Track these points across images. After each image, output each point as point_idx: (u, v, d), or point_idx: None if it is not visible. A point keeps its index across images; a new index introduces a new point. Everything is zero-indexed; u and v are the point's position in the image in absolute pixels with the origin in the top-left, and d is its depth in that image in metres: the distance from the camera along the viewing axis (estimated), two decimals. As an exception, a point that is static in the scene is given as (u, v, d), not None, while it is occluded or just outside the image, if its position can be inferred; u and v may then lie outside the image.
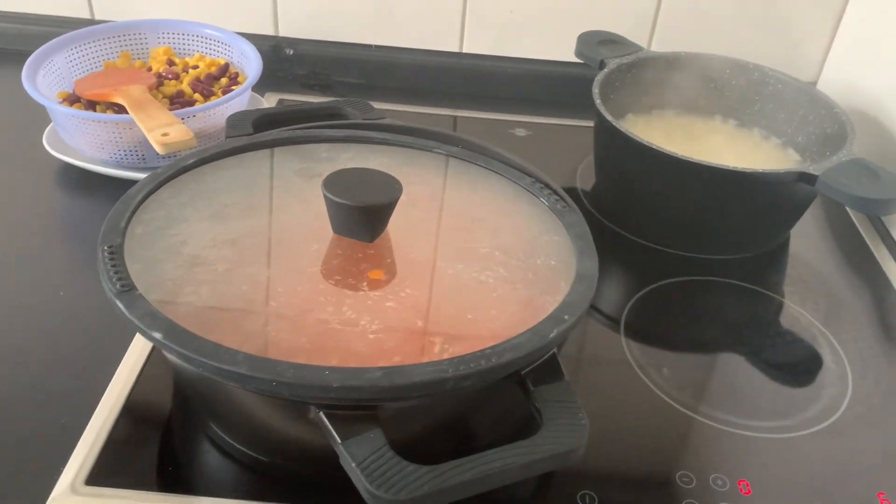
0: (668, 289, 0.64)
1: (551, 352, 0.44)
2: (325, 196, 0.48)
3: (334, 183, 0.49)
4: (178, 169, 0.54)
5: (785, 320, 0.62)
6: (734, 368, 0.58)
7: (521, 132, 0.85)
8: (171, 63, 0.79)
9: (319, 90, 0.91)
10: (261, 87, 0.84)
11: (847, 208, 0.75)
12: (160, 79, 0.75)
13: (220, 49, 0.81)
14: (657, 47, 0.89)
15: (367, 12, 0.89)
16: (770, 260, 0.69)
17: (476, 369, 0.39)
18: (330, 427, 0.39)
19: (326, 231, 0.50)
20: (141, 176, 0.67)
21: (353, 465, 0.37)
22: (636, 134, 0.74)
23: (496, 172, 0.59)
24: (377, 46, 0.91)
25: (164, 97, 0.73)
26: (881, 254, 0.70)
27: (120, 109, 0.69)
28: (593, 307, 0.63)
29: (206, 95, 0.74)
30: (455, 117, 0.88)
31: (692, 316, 0.63)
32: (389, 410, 0.41)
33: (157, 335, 0.40)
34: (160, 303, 0.43)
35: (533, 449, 0.39)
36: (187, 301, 0.44)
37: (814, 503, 0.48)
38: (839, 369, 0.57)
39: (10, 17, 0.91)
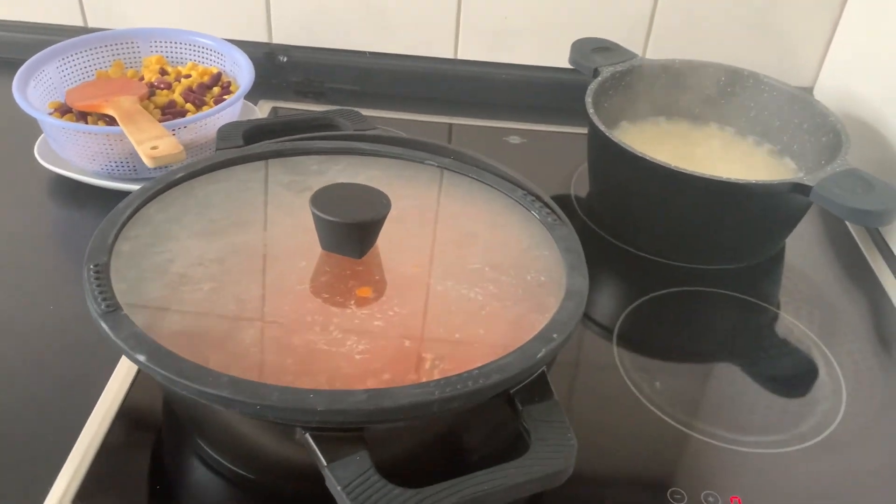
0: (662, 300, 0.64)
1: (540, 370, 0.43)
2: (312, 213, 0.48)
3: (322, 199, 0.49)
4: (166, 184, 0.54)
5: (779, 332, 0.62)
6: (727, 381, 0.57)
7: (515, 139, 0.84)
8: (163, 72, 0.79)
9: (313, 97, 0.90)
10: (254, 94, 0.84)
11: (843, 217, 0.74)
12: (152, 88, 0.75)
13: (212, 58, 0.80)
14: (652, 54, 0.88)
15: (360, 19, 0.88)
16: (765, 270, 0.69)
17: (462, 391, 0.39)
18: (316, 449, 0.38)
19: (315, 247, 0.50)
20: (132, 187, 0.67)
21: (339, 488, 0.37)
22: (630, 142, 0.74)
23: (488, 184, 0.58)
24: (371, 53, 0.91)
25: (156, 107, 0.73)
26: (877, 264, 0.69)
27: (111, 120, 0.69)
28: (587, 316, 0.63)
29: (198, 105, 0.74)
30: (450, 125, 0.87)
31: (686, 328, 0.62)
32: (376, 431, 0.40)
33: (141, 357, 0.40)
34: (145, 323, 0.42)
35: (520, 471, 0.39)
36: (173, 321, 0.44)
37: (806, 520, 0.48)
38: (833, 383, 0.57)
39: (3, 26, 0.91)
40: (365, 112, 0.85)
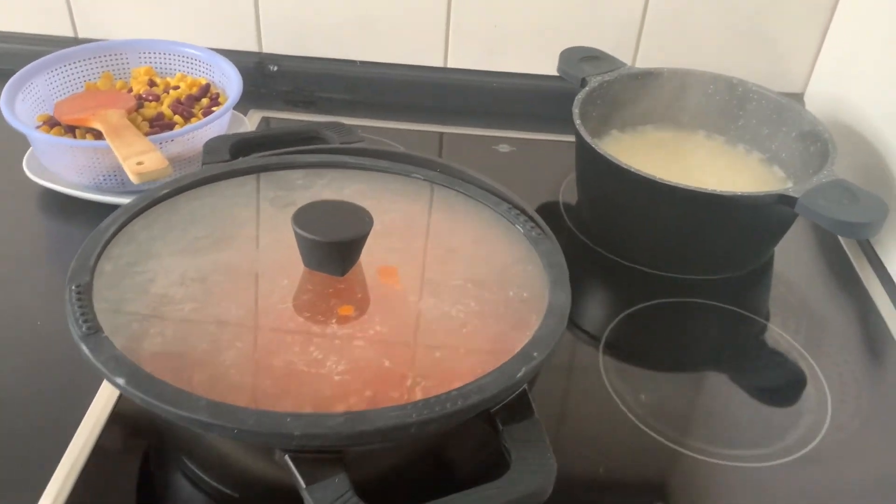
0: (650, 311, 0.64)
1: (521, 389, 0.43)
2: (294, 231, 0.48)
3: (304, 217, 0.49)
4: (150, 200, 0.54)
5: (766, 344, 0.62)
6: (712, 394, 0.57)
7: (504, 148, 0.84)
8: (152, 83, 0.79)
9: (303, 107, 0.90)
10: (244, 104, 0.84)
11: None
12: (140, 100, 0.75)
13: (201, 68, 0.81)
14: (642, 62, 0.88)
15: (350, 28, 0.88)
16: (754, 280, 0.69)
17: (441, 413, 0.39)
18: (295, 471, 0.38)
19: (298, 263, 0.50)
20: (121, 200, 0.67)
21: (318, 511, 0.37)
22: (619, 151, 0.74)
23: (473, 198, 0.58)
24: (361, 62, 0.91)
25: (144, 119, 0.73)
26: (865, 273, 0.69)
27: (99, 134, 0.69)
28: (575, 325, 0.63)
29: (187, 117, 0.74)
30: (441, 134, 0.87)
31: (673, 339, 0.62)
32: (356, 452, 0.41)
33: (120, 381, 0.40)
34: (126, 345, 0.43)
35: (499, 491, 0.39)
36: (154, 343, 0.44)
37: (790, 535, 0.48)
38: (819, 395, 0.57)
39: (-6, 36, 0.91)
40: (355, 121, 0.86)
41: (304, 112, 0.89)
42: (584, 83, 0.73)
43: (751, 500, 0.50)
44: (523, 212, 0.57)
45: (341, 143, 0.65)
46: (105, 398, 0.54)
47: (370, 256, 0.50)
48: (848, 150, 0.76)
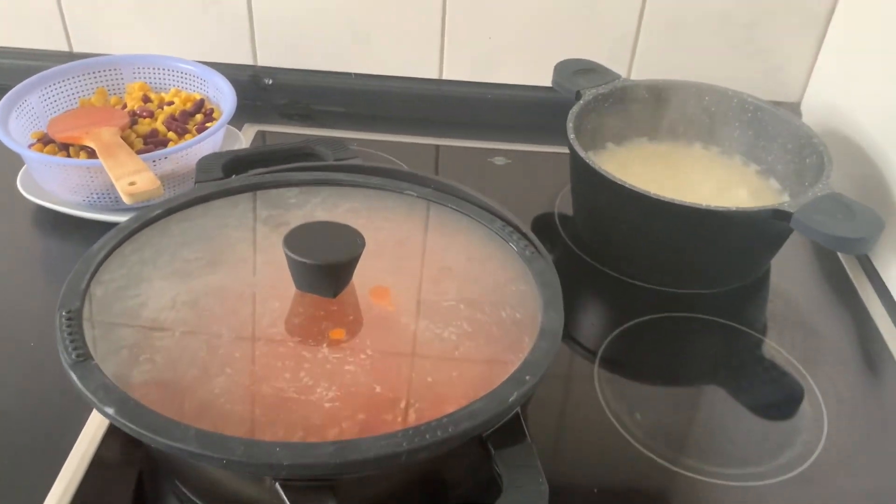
0: (645, 326, 0.63)
1: (514, 412, 0.43)
2: (285, 254, 0.48)
3: (295, 239, 0.48)
4: (141, 223, 0.54)
5: (762, 359, 0.61)
6: (708, 411, 0.57)
7: (500, 161, 0.84)
8: (146, 99, 0.78)
9: (299, 120, 0.90)
10: (239, 118, 0.84)
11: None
12: (134, 117, 0.75)
13: (195, 84, 0.80)
14: (637, 73, 0.88)
15: (346, 41, 0.88)
16: (750, 293, 0.68)
17: (431, 441, 0.39)
18: (285, 499, 0.38)
19: (290, 285, 0.49)
20: (115, 218, 0.67)
21: (308, 539, 0.37)
22: (615, 164, 0.74)
23: (467, 215, 0.58)
24: (357, 75, 0.91)
25: (138, 136, 0.73)
26: (862, 286, 0.69)
27: (93, 151, 0.69)
28: (569, 338, 0.62)
29: (181, 133, 0.74)
30: (436, 146, 0.87)
31: (668, 355, 0.62)
32: (347, 479, 0.40)
33: (110, 410, 0.40)
34: (116, 372, 0.42)
35: (490, 518, 0.39)
36: (143, 370, 0.43)
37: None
38: (815, 412, 0.57)
39: (-11, 52, 0.91)
40: (351, 134, 0.86)
41: (299, 125, 0.89)
42: (578, 96, 0.73)
43: (746, 520, 0.49)
44: (517, 229, 0.57)
45: (335, 160, 0.65)
46: (99, 419, 0.54)
47: (363, 276, 0.50)
48: (844, 159, 0.76)
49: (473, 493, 0.46)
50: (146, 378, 0.43)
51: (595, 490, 0.50)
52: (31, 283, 0.66)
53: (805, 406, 0.57)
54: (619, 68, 0.87)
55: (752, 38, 0.85)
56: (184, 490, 0.49)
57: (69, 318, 0.45)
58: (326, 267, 0.47)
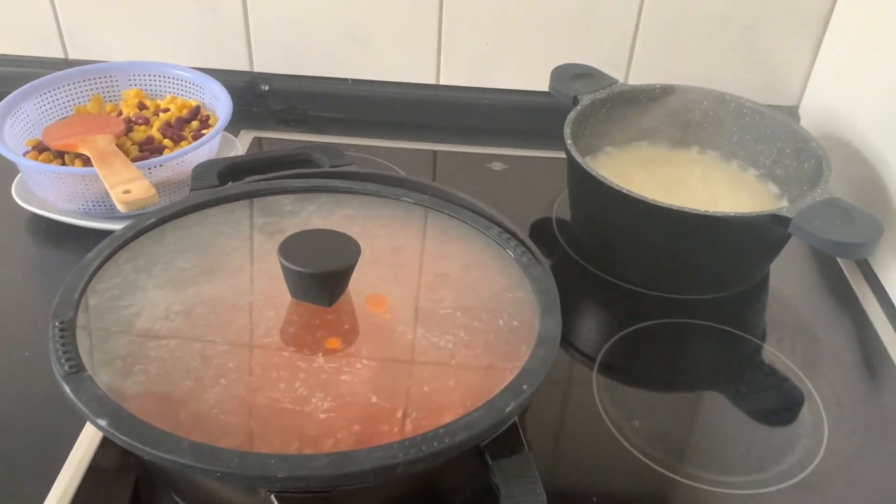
0: (643, 333, 0.63)
1: (511, 422, 0.43)
2: (280, 262, 0.47)
3: (290, 248, 0.48)
4: (135, 231, 0.54)
5: (762, 365, 0.61)
6: (707, 418, 0.57)
7: (497, 166, 0.84)
8: (142, 106, 0.78)
9: (295, 126, 0.90)
10: (236, 124, 0.83)
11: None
12: (130, 124, 0.75)
13: (191, 90, 0.80)
14: (635, 77, 0.88)
15: (342, 46, 0.88)
16: (750, 298, 0.68)
17: (427, 452, 0.39)
18: (280, 512, 0.38)
19: (285, 294, 0.49)
20: (110, 226, 0.66)
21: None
22: (612, 168, 0.73)
23: (464, 222, 0.58)
24: (354, 80, 0.90)
25: (134, 144, 0.73)
26: (862, 291, 0.69)
27: (88, 159, 0.68)
28: (568, 345, 0.62)
29: (176, 140, 0.73)
30: (434, 152, 0.87)
31: (667, 362, 0.62)
32: (343, 490, 0.40)
33: (103, 422, 0.39)
34: (110, 383, 0.42)
35: (487, 530, 0.38)
36: (137, 381, 0.43)
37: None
38: (815, 418, 0.56)
39: (-15, 59, 0.91)
40: (348, 140, 0.86)
41: (296, 131, 0.89)
42: (575, 101, 0.73)
43: (747, 529, 0.49)
44: (514, 236, 0.57)
45: (332, 167, 0.65)
46: (93, 431, 0.53)
47: (359, 284, 0.50)
48: (843, 163, 0.75)
49: (471, 502, 0.46)
50: (140, 389, 0.43)
51: (594, 499, 0.50)
52: (26, 291, 0.66)
53: (805, 412, 0.57)
54: (617, 72, 0.87)
55: (749, 42, 0.85)
56: (179, 501, 0.49)
57: (62, 329, 0.44)
58: (321, 276, 0.47)
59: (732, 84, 0.81)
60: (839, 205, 0.60)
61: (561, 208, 0.78)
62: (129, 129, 0.74)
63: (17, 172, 0.71)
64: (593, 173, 0.63)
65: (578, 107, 0.72)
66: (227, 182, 0.63)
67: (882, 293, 0.68)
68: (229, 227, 0.56)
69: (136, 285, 0.49)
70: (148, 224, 0.54)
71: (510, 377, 0.44)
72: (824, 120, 0.82)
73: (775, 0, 0.83)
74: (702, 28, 0.84)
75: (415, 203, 0.60)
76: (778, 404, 0.58)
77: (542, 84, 0.78)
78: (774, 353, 0.62)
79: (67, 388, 0.41)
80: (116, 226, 0.57)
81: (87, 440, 0.52)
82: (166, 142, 0.73)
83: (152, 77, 0.81)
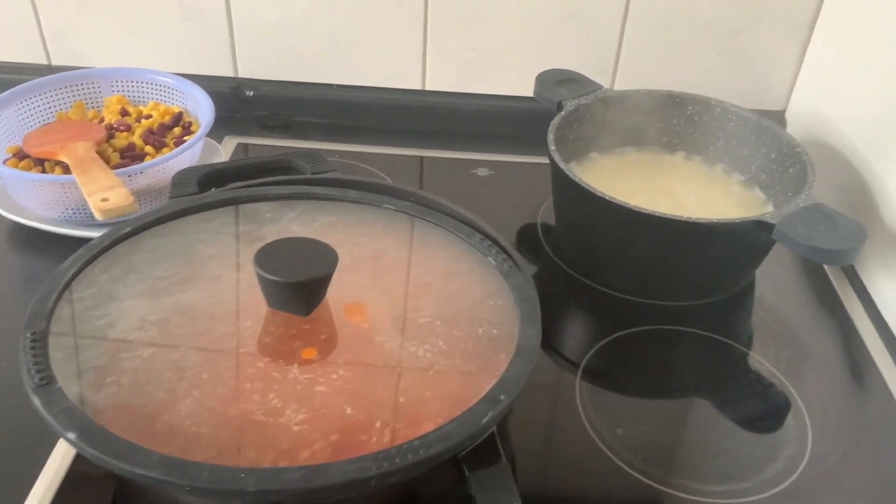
0: (627, 340, 0.62)
1: (489, 432, 0.42)
2: (256, 272, 0.47)
3: (266, 256, 0.48)
4: (112, 240, 0.53)
5: (746, 373, 0.60)
6: (690, 427, 0.56)
7: (483, 172, 0.83)
8: (124, 113, 0.78)
9: (280, 132, 0.89)
10: (220, 130, 0.83)
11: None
12: (111, 131, 0.74)
13: (174, 96, 0.80)
14: (622, 82, 0.87)
15: (327, 51, 0.87)
16: (735, 305, 0.67)
17: (402, 465, 0.38)
18: (253, 526, 0.37)
19: (262, 303, 0.48)
20: (90, 234, 0.66)
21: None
22: (597, 174, 0.73)
23: (445, 229, 0.57)
24: (338, 86, 0.90)
25: (115, 150, 0.72)
26: (848, 297, 0.68)
27: (68, 166, 0.68)
28: (551, 351, 0.61)
29: (158, 147, 0.73)
30: (420, 158, 0.86)
31: (651, 370, 0.61)
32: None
33: (72, 436, 0.39)
34: (81, 395, 0.41)
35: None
36: (109, 392, 0.42)
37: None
38: (799, 425, 0.56)
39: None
40: (333, 146, 0.85)
41: (280, 137, 0.88)
42: (560, 107, 0.72)
43: (729, 539, 0.49)
44: (496, 243, 0.56)
45: (313, 173, 0.65)
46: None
47: (338, 292, 0.49)
48: (828, 168, 0.75)
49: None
50: (112, 401, 0.42)
51: (574, 510, 0.50)
52: (5, 300, 0.65)
53: (790, 420, 0.56)
54: (604, 78, 0.86)
55: (736, 46, 0.85)
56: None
57: (34, 340, 0.44)
58: (298, 285, 0.46)
59: (719, 89, 0.81)
60: (823, 210, 0.60)
61: (546, 214, 0.77)
62: (110, 136, 0.74)
63: (-2, 180, 0.71)
64: (576, 180, 0.63)
65: (563, 112, 0.71)
66: (207, 189, 0.62)
67: (868, 300, 0.68)
68: (208, 234, 0.56)
69: (111, 295, 0.49)
70: (125, 232, 0.54)
71: (488, 387, 0.43)
72: (811, 124, 0.82)
73: (761, 5, 0.82)
74: (688, 33, 0.84)
75: (396, 210, 0.59)
76: (762, 412, 0.58)
77: (528, 89, 0.78)
78: (760, 361, 0.61)
79: (37, 401, 0.40)
80: (97, 233, 0.57)
81: (63, 452, 0.52)
82: (148, 148, 0.73)
83: (135, 83, 0.80)
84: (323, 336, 0.47)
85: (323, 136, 0.88)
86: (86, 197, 0.61)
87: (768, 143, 0.71)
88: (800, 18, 0.83)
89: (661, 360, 0.62)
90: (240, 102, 0.89)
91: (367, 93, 0.90)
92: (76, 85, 0.79)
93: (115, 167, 0.69)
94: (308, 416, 0.41)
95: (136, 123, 0.76)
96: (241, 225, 0.57)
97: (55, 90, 0.78)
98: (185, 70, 0.85)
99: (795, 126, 0.85)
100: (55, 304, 0.47)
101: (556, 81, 0.76)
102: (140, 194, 0.68)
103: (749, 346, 0.63)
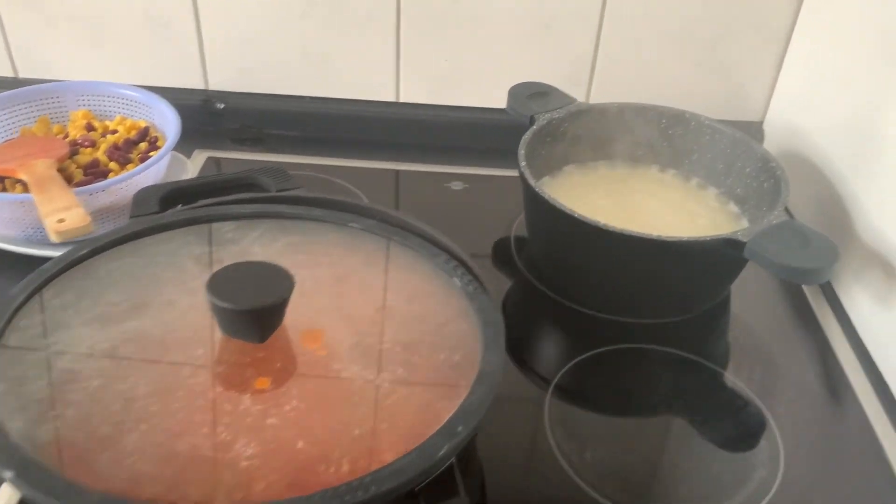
0: (597, 360, 0.61)
1: (447, 464, 0.41)
2: (209, 299, 0.45)
3: (219, 282, 0.46)
4: (65, 264, 0.52)
5: (719, 394, 0.59)
6: (660, 449, 0.55)
7: (457, 185, 0.82)
8: (90, 128, 0.76)
9: (251, 145, 0.88)
10: (189, 144, 0.82)
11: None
12: (75, 146, 0.73)
13: (140, 110, 0.78)
14: (597, 92, 0.86)
15: (299, 63, 0.86)
16: (709, 322, 0.66)
17: (351, 502, 0.37)
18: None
19: (217, 330, 0.47)
20: (51, 253, 0.64)
21: None
22: (571, 188, 0.72)
23: (411, 248, 0.56)
24: (311, 98, 0.88)
25: (79, 167, 0.70)
26: (823, 313, 0.67)
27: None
28: (520, 372, 0.60)
29: (123, 163, 0.71)
30: (395, 171, 0.85)
31: (621, 391, 0.60)
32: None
33: (9, 474, 0.37)
34: (23, 430, 0.40)
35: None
36: (53, 427, 0.41)
37: None
38: (772, 448, 0.55)
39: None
40: (306, 160, 0.84)
41: (252, 151, 0.87)
42: (532, 121, 0.71)
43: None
44: (462, 263, 0.55)
45: (278, 190, 0.63)
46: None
47: (297, 317, 0.48)
48: (805, 179, 0.74)
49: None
50: (56, 436, 0.41)
51: (540, 539, 0.48)
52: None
53: (763, 443, 0.55)
54: (579, 89, 0.85)
55: (713, 56, 0.84)
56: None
57: (-24, 371, 0.42)
58: (251, 312, 0.45)
59: (696, 99, 0.80)
60: (796, 228, 0.59)
61: (520, 228, 0.76)
62: (74, 152, 0.72)
63: (-43, 198, 0.69)
64: (546, 197, 0.61)
65: (534, 127, 0.70)
66: (168, 208, 0.61)
67: (844, 316, 0.67)
68: (165, 257, 0.54)
69: (60, 322, 0.47)
70: (79, 256, 0.52)
71: (447, 416, 0.42)
72: (788, 135, 0.81)
73: (738, 15, 0.81)
74: (664, 43, 0.83)
75: (361, 229, 0.58)
76: (735, 434, 0.57)
77: (503, 101, 0.76)
78: (733, 381, 0.60)
79: (-26, 437, 0.39)
80: (58, 253, 0.55)
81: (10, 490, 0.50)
82: (112, 165, 0.71)
83: (100, 97, 0.79)
84: (278, 364, 0.46)
85: (295, 150, 0.87)
86: (42, 218, 0.59)
87: (743, 157, 0.71)
88: (777, 28, 0.82)
89: (633, 381, 0.61)
90: (210, 115, 0.88)
91: (339, 105, 0.88)
92: (41, 99, 0.77)
93: (78, 184, 0.68)
94: (258, 451, 0.40)
95: (102, 139, 0.75)
96: (200, 246, 0.55)
97: (19, 105, 0.77)
98: (154, 83, 0.84)
99: (773, 137, 0.85)
100: (3, 331, 0.45)
101: (529, 95, 0.74)
102: (103, 212, 0.66)
103: (723, 365, 0.62)
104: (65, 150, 0.71)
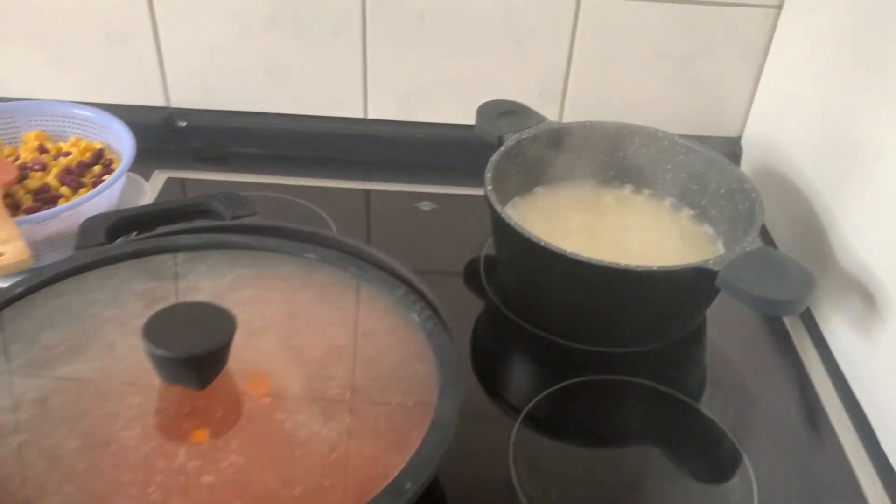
0: (564, 394, 0.59)
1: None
2: (144, 345, 0.43)
3: (156, 326, 0.43)
4: (1, 302, 0.49)
5: (692, 428, 0.57)
6: (628, 487, 0.53)
7: (427, 206, 0.79)
8: (42, 150, 0.73)
9: (215, 164, 0.85)
10: (149, 164, 0.79)
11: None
12: (25, 170, 0.70)
13: (95, 131, 0.75)
14: (571, 110, 0.84)
15: (264, 79, 0.83)
16: (683, 351, 0.64)
17: (284, 574, 0.34)
18: None
19: (156, 376, 0.44)
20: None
21: None
22: (541, 209, 0.70)
23: (368, 281, 0.54)
24: (277, 115, 0.86)
25: (27, 192, 0.68)
26: (801, 340, 0.65)
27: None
28: (486, 406, 0.58)
29: (75, 188, 0.68)
30: (365, 191, 0.83)
31: (590, 425, 0.58)
32: None
33: (-85, 547, 0.34)
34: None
35: None
36: (-31, 489, 0.38)
37: None
38: (745, 486, 0.52)
39: None
40: (272, 179, 0.81)
41: (215, 170, 0.84)
42: (500, 141, 0.69)
43: None
44: (422, 296, 0.53)
45: (233, 218, 0.61)
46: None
47: (242, 359, 0.46)
48: (782, 198, 0.72)
49: None
50: (-27, 498, 0.38)
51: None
52: None
53: (735, 480, 0.53)
54: (551, 106, 0.83)
55: (690, 72, 0.82)
56: None
57: None
58: (189, 359, 0.42)
59: (673, 116, 0.78)
60: (770, 255, 0.56)
61: (491, 248, 0.74)
62: (23, 177, 0.69)
63: None
64: (511, 223, 0.59)
65: (503, 148, 0.68)
66: (116, 238, 0.59)
67: (822, 343, 0.64)
68: (107, 293, 0.52)
69: (-12, 369, 0.45)
70: (16, 293, 0.50)
71: (395, 473, 0.39)
72: (766, 151, 0.79)
73: (714, 29, 0.79)
74: (638, 58, 0.81)
75: (317, 259, 0.56)
76: (707, 470, 0.54)
77: (473, 118, 0.74)
78: (707, 415, 0.58)
79: None
80: (6, 283, 0.52)
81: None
82: (63, 189, 0.68)
83: (53, 118, 0.76)
84: (219, 413, 0.43)
85: (260, 168, 0.84)
86: (-22, 251, 0.57)
87: (717, 178, 0.68)
88: (753, 43, 0.80)
89: (602, 414, 0.59)
90: (172, 133, 0.85)
91: (306, 122, 0.86)
92: (-9, 120, 0.74)
93: (26, 211, 0.65)
94: (189, 515, 0.37)
95: (54, 161, 0.72)
96: (145, 282, 0.53)
97: (-32, 126, 0.74)
98: (113, 100, 0.82)
99: (751, 153, 0.82)
100: (-77, 382, 0.42)
101: (499, 113, 0.72)
102: (52, 240, 0.63)
103: (697, 396, 0.59)
104: (12, 175, 0.68)
